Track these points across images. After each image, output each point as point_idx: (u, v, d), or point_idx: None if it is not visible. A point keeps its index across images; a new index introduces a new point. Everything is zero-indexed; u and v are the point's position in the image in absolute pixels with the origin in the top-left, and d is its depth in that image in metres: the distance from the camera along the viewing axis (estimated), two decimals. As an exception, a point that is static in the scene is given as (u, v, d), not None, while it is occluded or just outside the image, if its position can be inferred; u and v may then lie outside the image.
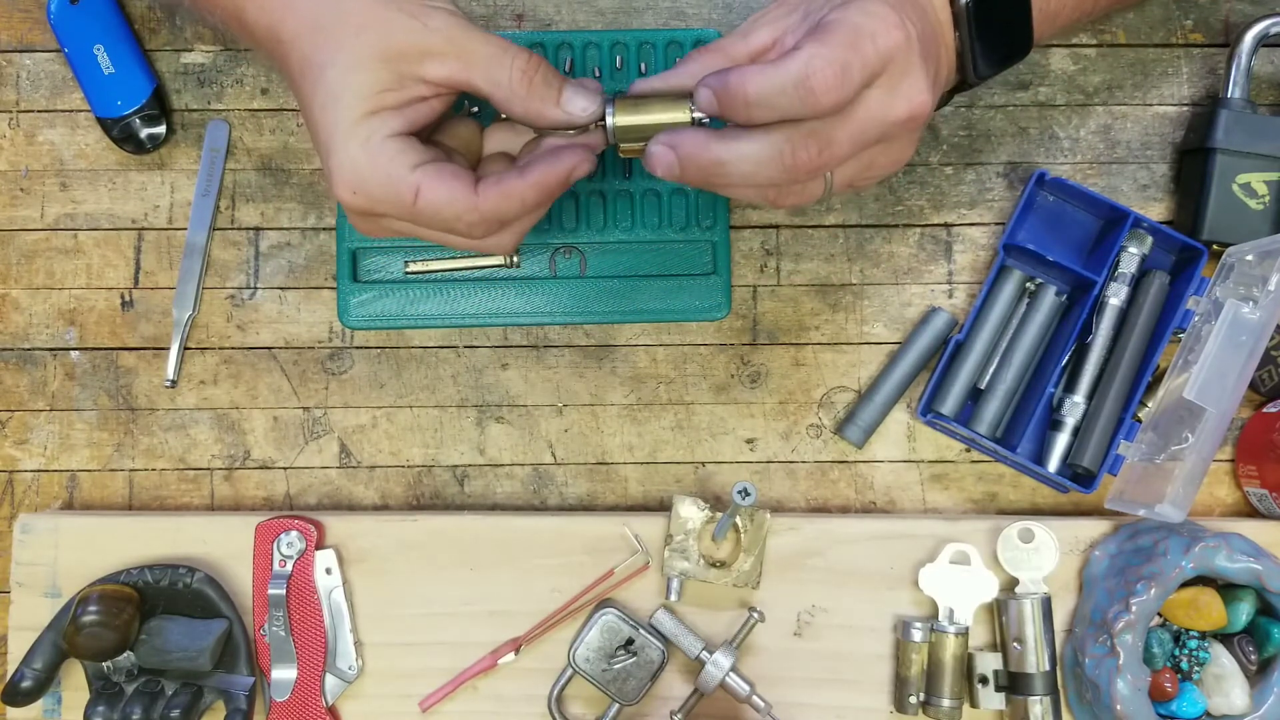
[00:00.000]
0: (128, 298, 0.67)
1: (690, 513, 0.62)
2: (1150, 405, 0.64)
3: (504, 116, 0.55)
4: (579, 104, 0.53)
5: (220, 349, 0.67)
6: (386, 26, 0.50)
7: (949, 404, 0.64)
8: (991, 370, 0.65)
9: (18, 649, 0.62)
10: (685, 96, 0.52)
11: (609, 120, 0.53)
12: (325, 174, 0.51)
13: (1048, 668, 0.61)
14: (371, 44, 0.50)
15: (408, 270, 0.65)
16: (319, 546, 0.63)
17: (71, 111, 0.68)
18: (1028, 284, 0.66)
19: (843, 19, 0.49)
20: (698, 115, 0.52)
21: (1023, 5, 0.56)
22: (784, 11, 0.53)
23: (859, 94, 0.49)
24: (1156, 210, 0.67)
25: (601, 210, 0.65)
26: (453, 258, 0.65)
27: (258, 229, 0.67)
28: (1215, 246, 0.64)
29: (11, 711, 0.61)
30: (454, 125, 0.56)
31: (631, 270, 0.66)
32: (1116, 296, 0.64)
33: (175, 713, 0.59)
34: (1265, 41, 0.64)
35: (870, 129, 0.50)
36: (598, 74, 0.66)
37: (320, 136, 0.51)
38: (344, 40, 0.50)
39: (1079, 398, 0.64)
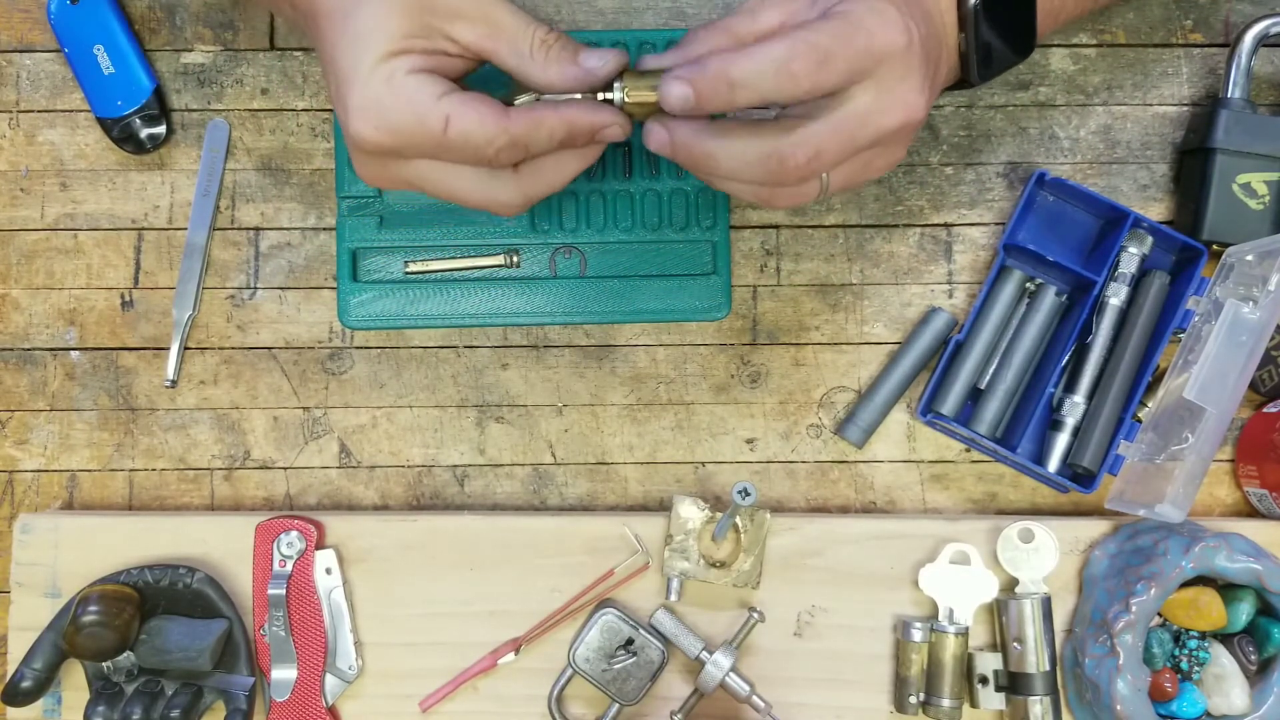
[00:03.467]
0: (128, 298, 0.67)
1: (690, 513, 0.62)
2: (1150, 405, 0.64)
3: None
4: (594, 60, 0.53)
5: (220, 349, 0.67)
6: None
7: (949, 404, 0.64)
8: (991, 370, 0.65)
9: (18, 649, 0.62)
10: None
11: (617, 95, 0.53)
12: (342, 115, 0.51)
13: (1048, 668, 0.61)
14: None
15: (408, 270, 0.65)
16: (319, 546, 0.63)
17: (71, 111, 0.68)
18: (1028, 284, 0.66)
19: (846, 11, 0.49)
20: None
21: (1028, 6, 0.56)
22: None
23: (846, 91, 0.49)
24: (1156, 210, 0.67)
25: (601, 210, 0.66)
26: (453, 258, 0.65)
27: (258, 229, 0.67)
28: (1215, 246, 0.64)
29: (11, 711, 0.61)
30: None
31: (631, 270, 0.66)
32: (1116, 296, 0.64)
33: (175, 713, 0.59)
34: (1265, 41, 0.64)
35: (862, 134, 0.50)
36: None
37: (339, 74, 0.51)
38: None
39: (1079, 398, 0.64)
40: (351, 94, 0.50)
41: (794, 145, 0.50)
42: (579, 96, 0.53)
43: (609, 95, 0.53)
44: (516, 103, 0.54)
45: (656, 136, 0.53)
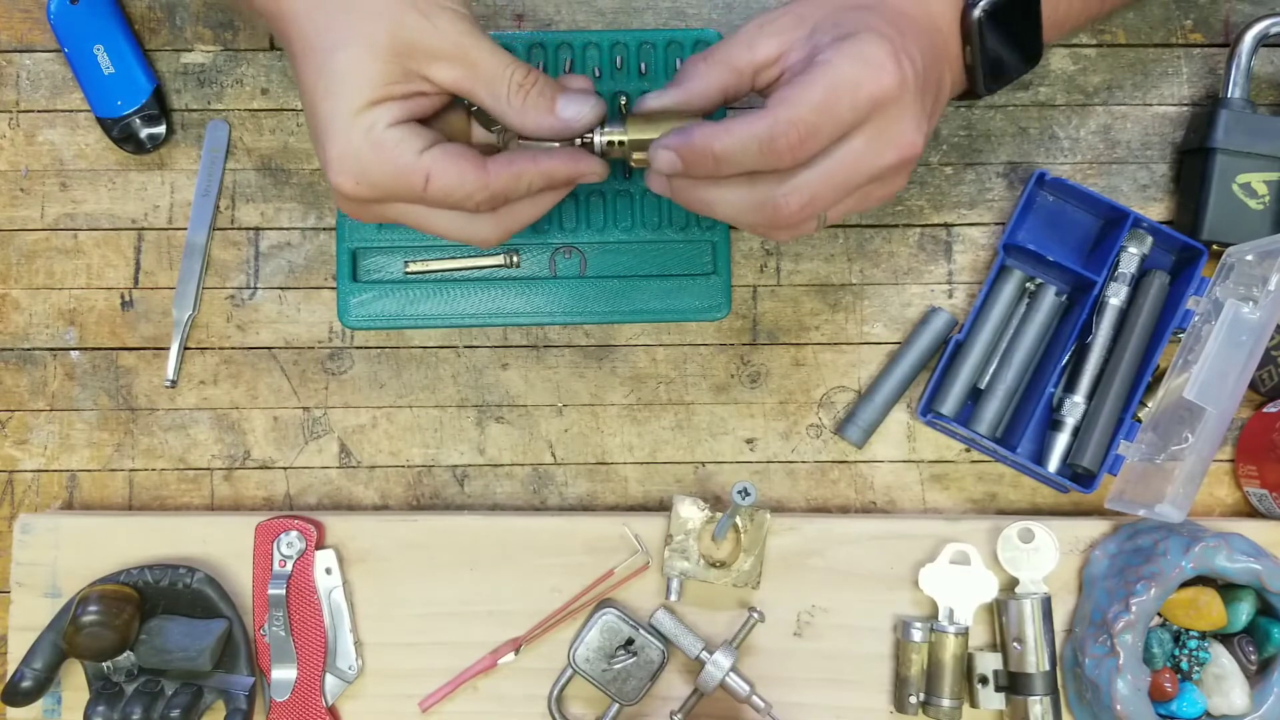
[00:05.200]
0: (128, 298, 0.67)
1: (690, 513, 0.62)
2: (1150, 405, 0.64)
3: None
4: (571, 110, 0.53)
5: (220, 349, 0.67)
6: (397, 20, 0.50)
7: (949, 404, 0.64)
8: (991, 370, 0.65)
9: (18, 649, 0.62)
10: (691, 115, 0.54)
11: (597, 140, 0.54)
12: (322, 160, 0.51)
13: (1048, 668, 0.61)
14: (381, 36, 0.50)
15: (408, 270, 0.65)
16: (319, 546, 0.63)
17: (71, 111, 0.68)
18: (1028, 284, 0.66)
19: (828, 67, 0.49)
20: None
21: (1034, 18, 0.56)
22: (792, 22, 0.53)
23: (837, 145, 0.50)
24: (1156, 210, 0.67)
25: (602, 210, 0.66)
26: (453, 258, 0.65)
27: (258, 229, 0.67)
28: (1215, 246, 0.64)
29: (11, 711, 0.61)
30: (444, 113, 0.56)
31: (631, 270, 0.66)
32: (1116, 296, 0.64)
33: (175, 713, 0.59)
34: (1265, 41, 0.64)
35: (856, 177, 0.51)
36: (597, 74, 0.66)
37: (319, 122, 0.51)
38: (353, 26, 0.50)
39: (1079, 398, 0.64)
40: (331, 144, 0.50)
41: (787, 194, 0.51)
42: (556, 144, 0.54)
43: (589, 139, 0.54)
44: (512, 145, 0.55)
45: (657, 183, 0.55)
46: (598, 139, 0.54)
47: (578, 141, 0.54)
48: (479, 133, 0.57)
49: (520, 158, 0.53)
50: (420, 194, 0.51)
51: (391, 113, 0.51)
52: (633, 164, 0.55)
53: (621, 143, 0.54)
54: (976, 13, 0.53)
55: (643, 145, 0.54)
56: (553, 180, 0.53)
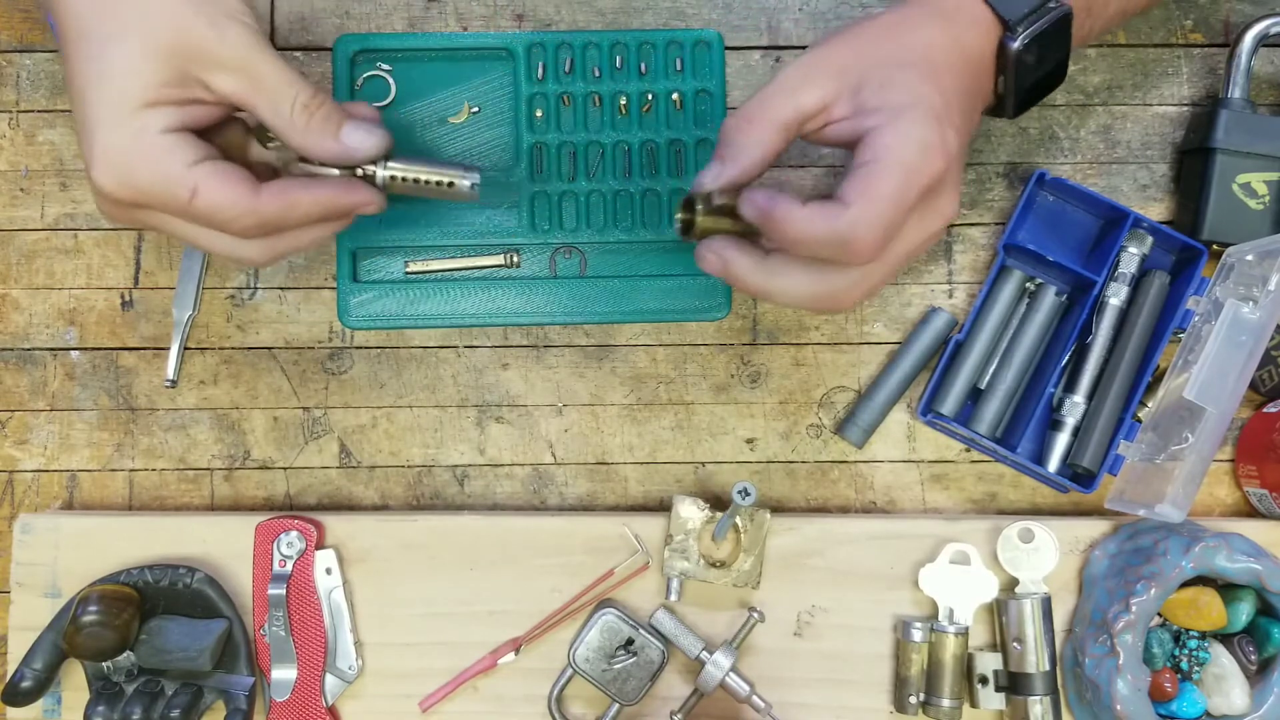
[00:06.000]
0: (128, 298, 0.67)
1: (690, 513, 0.62)
2: (1150, 405, 0.64)
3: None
4: (356, 138, 0.53)
5: (220, 349, 0.67)
6: (182, 23, 0.49)
7: (949, 404, 0.64)
8: (991, 370, 0.65)
9: (18, 649, 0.62)
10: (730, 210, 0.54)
11: (380, 175, 0.54)
12: (86, 154, 0.49)
13: (1048, 668, 0.61)
14: (163, 35, 0.49)
15: (408, 270, 0.65)
16: (319, 546, 0.63)
17: (71, 111, 0.67)
18: (1028, 284, 0.66)
19: (889, 154, 0.50)
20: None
21: (1065, 41, 0.55)
22: (835, 72, 0.53)
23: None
24: (1156, 210, 0.67)
25: (601, 210, 0.66)
26: (453, 258, 0.65)
27: (258, 229, 0.67)
28: (1215, 246, 0.64)
29: (11, 711, 0.61)
30: (222, 127, 0.54)
31: (632, 270, 0.66)
32: (1116, 296, 0.64)
33: (175, 713, 0.59)
34: (1265, 41, 0.64)
35: (909, 257, 0.53)
36: (596, 74, 0.66)
37: (86, 113, 0.49)
38: (132, 21, 0.48)
39: (1079, 398, 0.64)
40: (96, 140, 0.48)
41: (851, 287, 0.52)
42: (336, 171, 0.53)
43: (370, 171, 0.54)
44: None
45: (711, 264, 0.55)
46: (380, 172, 0.54)
47: (359, 172, 0.54)
48: (257, 150, 0.55)
49: (295, 186, 0.52)
50: (184, 207, 0.50)
51: (166, 118, 0.49)
52: (694, 239, 0.56)
53: (405, 178, 0.55)
54: (1017, 45, 0.53)
55: (708, 229, 0.55)
56: (329, 210, 0.52)
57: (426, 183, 0.56)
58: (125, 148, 0.48)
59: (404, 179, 0.55)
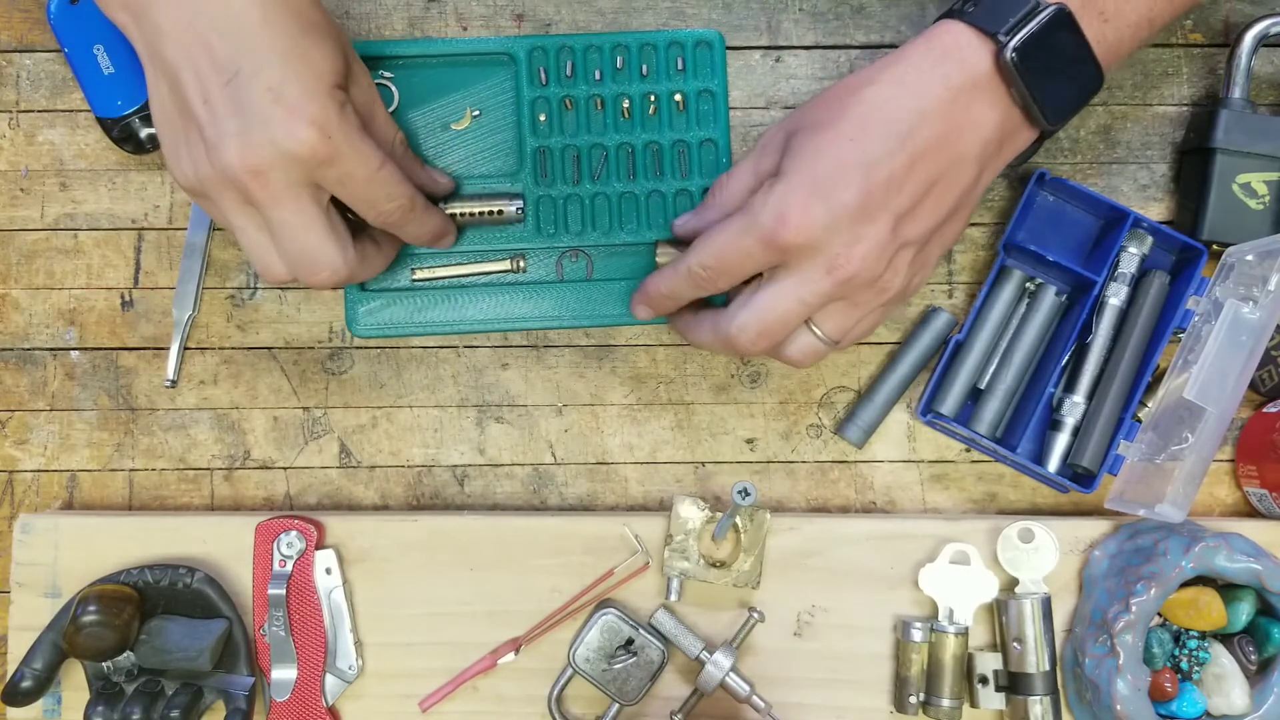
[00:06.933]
0: (128, 298, 0.67)
1: (690, 513, 0.62)
2: (1150, 405, 0.64)
3: None
4: (437, 173, 0.64)
5: (220, 349, 0.67)
6: (343, 38, 0.56)
7: (949, 404, 0.64)
8: (991, 370, 0.65)
9: (18, 649, 0.62)
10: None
11: (457, 211, 0.64)
12: (286, 122, 0.51)
13: (1048, 668, 0.61)
14: (343, 42, 0.56)
15: (414, 278, 0.65)
16: (319, 546, 0.63)
17: (71, 111, 0.68)
18: (1028, 284, 0.66)
19: (740, 219, 0.55)
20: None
21: (1079, 45, 0.55)
22: (781, 134, 0.58)
23: (769, 283, 0.55)
24: (1156, 210, 0.68)
25: (607, 212, 0.65)
26: (458, 264, 0.65)
27: (258, 229, 0.67)
28: (1215, 246, 0.64)
29: (11, 711, 0.61)
30: None
31: (639, 273, 0.65)
32: (1116, 296, 0.64)
33: (175, 713, 0.59)
34: (1265, 41, 0.64)
35: (799, 307, 0.55)
36: (599, 77, 0.66)
37: (286, 86, 0.51)
38: (312, 26, 0.53)
39: (1079, 398, 0.64)
40: (291, 98, 0.51)
41: (735, 327, 0.56)
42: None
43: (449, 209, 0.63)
44: None
45: (641, 313, 0.63)
46: (457, 211, 0.64)
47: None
48: None
49: (422, 200, 0.59)
50: (374, 170, 0.53)
51: (348, 101, 0.54)
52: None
53: (462, 214, 0.64)
54: (1009, 53, 0.53)
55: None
56: (438, 231, 0.61)
57: (481, 214, 0.64)
58: (329, 109, 0.52)
59: (462, 214, 0.64)
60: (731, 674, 0.61)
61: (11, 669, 0.61)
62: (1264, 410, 0.65)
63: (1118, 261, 0.64)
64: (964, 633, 0.61)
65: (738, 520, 0.62)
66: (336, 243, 0.55)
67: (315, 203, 0.53)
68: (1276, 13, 0.64)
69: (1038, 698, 0.60)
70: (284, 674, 0.61)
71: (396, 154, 0.59)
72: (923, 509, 0.67)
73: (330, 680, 0.62)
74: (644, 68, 0.66)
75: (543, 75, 0.66)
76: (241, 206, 0.53)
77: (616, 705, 0.61)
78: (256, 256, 0.55)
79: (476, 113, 0.66)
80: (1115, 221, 0.64)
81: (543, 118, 0.66)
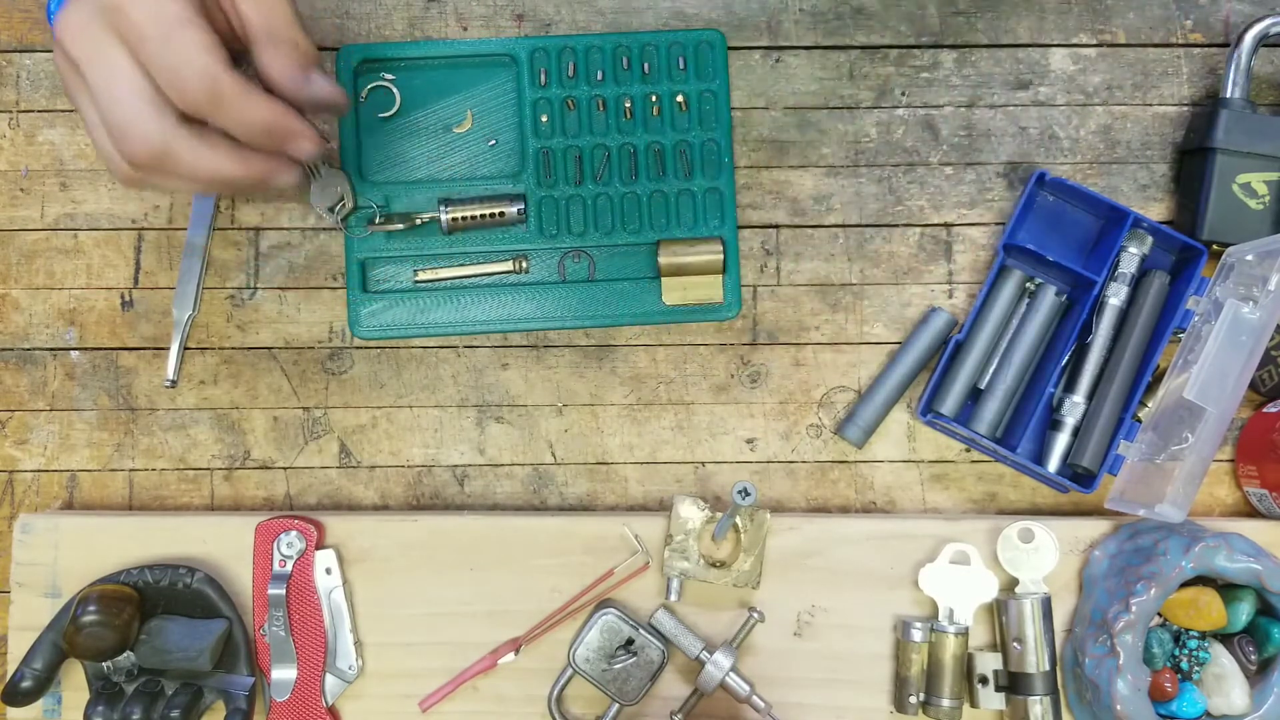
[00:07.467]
0: (128, 298, 0.67)
1: (690, 513, 0.62)
2: (1150, 405, 0.64)
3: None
4: (322, 82, 0.53)
5: (220, 349, 0.67)
6: None
7: (949, 404, 0.64)
8: (991, 370, 0.65)
9: (18, 649, 0.62)
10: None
11: (455, 212, 0.64)
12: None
13: (1048, 668, 0.61)
14: None
15: (417, 279, 0.65)
16: (319, 546, 0.63)
17: (71, 111, 0.68)
18: (1028, 284, 0.66)
19: None
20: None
21: None
22: None
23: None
24: (1156, 210, 0.68)
25: (609, 213, 0.66)
26: (461, 265, 0.65)
27: (258, 229, 0.67)
28: (1215, 246, 0.64)
29: (11, 711, 0.61)
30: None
31: (641, 273, 0.66)
32: (1116, 296, 0.64)
33: (175, 713, 0.59)
34: (1265, 41, 0.64)
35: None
36: (600, 77, 0.66)
37: None
38: None
39: (1079, 398, 0.64)
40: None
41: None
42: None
43: (436, 214, 0.63)
44: None
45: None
46: (444, 215, 0.64)
47: (432, 216, 0.64)
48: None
49: (257, 86, 0.51)
50: (167, 28, 0.48)
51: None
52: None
53: (463, 217, 0.64)
54: None
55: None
56: (272, 126, 0.51)
57: (482, 217, 0.64)
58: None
59: (463, 218, 0.64)
60: (731, 674, 0.61)
61: (11, 669, 0.61)
62: (1264, 410, 0.65)
63: (1118, 261, 0.64)
64: (964, 633, 0.61)
65: (738, 520, 0.62)
66: (151, 105, 0.49)
67: (126, 56, 0.48)
68: (1276, 13, 0.64)
69: (1038, 698, 0.60)
70: (284, 674, 0.61)
71: (258, 36, 0.51)
72: (923, 509, 0.67)
73: (330, 680, 0.62)
74: (645, 68, 0.66)
75: (544, 76, 0.66)
76: (73, 75, 0.50)
77: (616, 705, 0.61)
78: (94, 136, 0.51)
79: (478, 114, 0.66)
80: (1115, 221, 0.64)
81: (545, 119, 0.66)
